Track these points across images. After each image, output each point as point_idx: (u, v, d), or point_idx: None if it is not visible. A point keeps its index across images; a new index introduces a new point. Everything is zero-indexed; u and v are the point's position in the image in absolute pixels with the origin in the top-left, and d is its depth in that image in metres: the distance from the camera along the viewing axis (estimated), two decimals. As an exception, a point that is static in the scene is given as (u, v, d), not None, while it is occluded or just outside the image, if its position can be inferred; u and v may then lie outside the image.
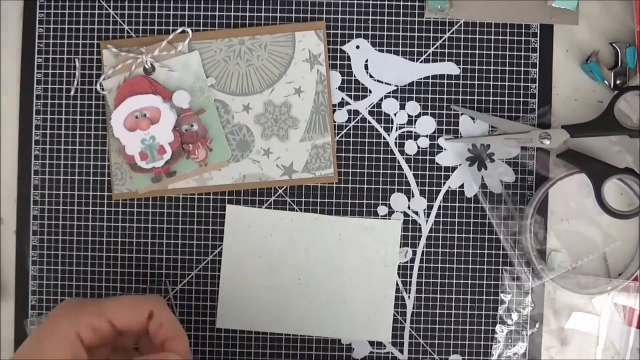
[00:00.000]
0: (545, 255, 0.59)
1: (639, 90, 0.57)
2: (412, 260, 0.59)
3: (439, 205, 0.59)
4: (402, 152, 0.59)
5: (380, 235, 0.59)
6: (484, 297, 0.59)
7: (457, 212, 0.59)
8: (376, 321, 0.58)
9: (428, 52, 0.59)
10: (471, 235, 0.59)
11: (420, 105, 0.59)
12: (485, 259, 0.59)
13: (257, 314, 0.58)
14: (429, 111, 0.59)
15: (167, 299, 0.59)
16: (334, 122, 0.59)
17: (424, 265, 0.59)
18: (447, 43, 0.59)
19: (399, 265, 0.59)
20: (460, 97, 0.59)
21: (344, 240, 0.59)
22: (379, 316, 0.58)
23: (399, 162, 0.59)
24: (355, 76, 0.59)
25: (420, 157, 0.59)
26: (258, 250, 0.59)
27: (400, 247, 0.59)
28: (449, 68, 0.59)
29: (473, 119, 0.59)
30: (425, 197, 0.59)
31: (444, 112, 0.59)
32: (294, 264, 0.58)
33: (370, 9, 0.59)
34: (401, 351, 0.59)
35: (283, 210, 0.59)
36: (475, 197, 0.59)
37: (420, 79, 0.59)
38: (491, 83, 0.59)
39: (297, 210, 0.59)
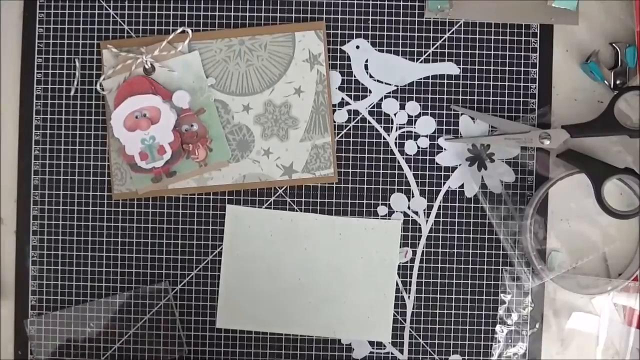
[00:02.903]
0: (545, 255, 0.59)
1: (639, 90, 0.57)
2: (412, 260, 0.59)
3: (439, 205, 0.59)
4: (402, 152, 0.59)
5: (380, 235, 0.59)
6: (484, 297, 0.59)
7: (457, 212, 0.59)
8: (376, 321, 0.58)
9: (428, 52, 0.59)
10: (471, 235, 0.59)
11: (420, 105, 0.59)
12: (485, 259, 0.59)
13: (257, 314, 0.58)
14: (429, 111, 0.59)
15: (167, 299, 0.59)
16: (334, 122, 0.59)
17: (424, 265, 0.59)
18: (447, 43, 0.59)
19: (399, 265, 0.59)
20: (460, 97, 0.59)
21: (344, 240, 0.58)
22: (379, 316, 0.58)
23: (399, 162, 0.59)
24: (355, 76, 0.59)
25: (420, 157, 0.59)
26: (258, 250, 0.58)
27: (400, 247, 0.59)
28: (449, 68, 0.59)
29: (473, 119, 0.59)
30: (425, 197, 0.59)
31: (444, 112, 0.59)
32: (294, 264, 0.58)
33: (370, 9, 0.59)
34: (401, 351, 0.59)
35: (283, 211, 0.59)
36: (475, 197, 0.59)
37: (420, 79, 0.59)
38: (491, 83, 0.59)
39: (297, 210, 0.59)
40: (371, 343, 0.59)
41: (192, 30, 0.59)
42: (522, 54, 0.59)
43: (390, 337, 0.59)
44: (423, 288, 0.59)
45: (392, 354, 0.59)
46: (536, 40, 0.59)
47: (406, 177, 0.59)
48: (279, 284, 0.58)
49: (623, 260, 0.59)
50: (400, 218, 0.59)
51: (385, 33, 0.59)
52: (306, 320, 0.58)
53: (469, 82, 0.59)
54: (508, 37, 0.59)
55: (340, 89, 0.59)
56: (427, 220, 0.59)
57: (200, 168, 0.59)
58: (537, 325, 0.59)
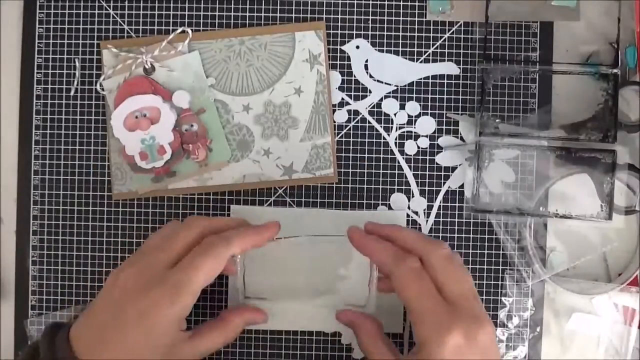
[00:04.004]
0: (545, 255, 0.59)
1: (637, 86, 0.57)
2: (412, 260, 0.59)
3: (439, 205, 0.59)
4: (402, 152, 0.59)
5: None
6: (484, 297, 0.59)
7: (457, 212, 0.59)
8: (386, 314, 0.58)
9: (428, 52, 0.59)
10: (471, 235, 0.59)
11: (420, 105, 0.59)
12: (485, 259, 0.59)
13: (267, 312, 0.58)
14: (429, 111, 0.59)
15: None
16: (334, 122, 0.59)
17: (424, 265, 0.59)
18: (447, 43, 0.59)
19: (399, 265, 0.59)
20: (460, 97, 0.59)
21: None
22: (389, 308, 0.58)
23: (399, 162, 0.59)
24: (355, 76, 0.59)
25: (420, 157, 0.59)
26: (264, 249, 0.58)
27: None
28: (449, 68, 0.59)
29: (473, 117, 0.59)
30: (425, 197, 0.59)
31: (444, 112, 0.59)
32: (299, 260, 0.58)
33: (370, 9, 0.59)
34: (401, 351, 0.59)
35: (287, 208, 0.59)
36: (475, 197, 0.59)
37: (420, 79, 0.59)
38: (491, 83, 0.59)
39: (297, 210, 0.59)
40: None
41: (192, 30, 0.59)
42: (522, 54, 0.59)
43: (402, 328, 0.58)
44: (423, 288, 0.59)
45: (392, 354, 0.59)
46: (536, 40, 0.59)
47: (406, 177, 0.59)
48: (286, 282, 0.58)
49: (623, 260, 0.59)
50: (402, 215, 0.59)
51: (385, 33, 0.59)
52: (314, 317, 0.58)
53: (469, 82, 0.59)
54: (508, 37, 0.59)
55: (340, 89, 0.59)
56: (427, 220, 0.59)
57: (201, 168, 0.59)
58: (538, 330, 0.59)
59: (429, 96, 0.59)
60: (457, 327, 0.47)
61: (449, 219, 0.59)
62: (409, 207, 0.59)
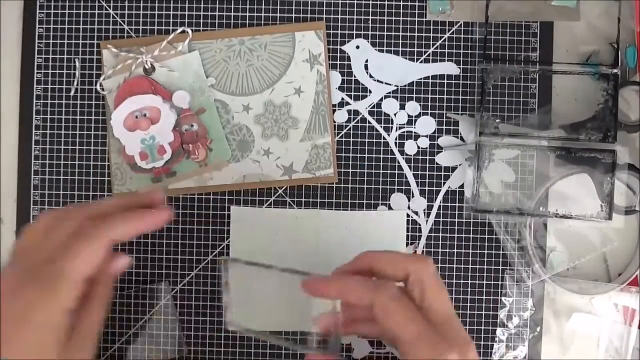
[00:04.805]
0: (545, 255, 0.59)
1: (636, 86, 0.57)
2: (412, 260, 0.59)
3: (439, 205, 0.59)
4: (402, 152, 0.59)
5: (386, 227, 0.58)
6: (484, 297, 0.59)
7: (457, 212, 0.59)
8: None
9: (428, 52, 0.59)
10: (471, 236, 0.59)
11: (420, 105, 0.59)
12: (485, 259, 0.59)
13: (267, 314, 0.58)
14: (429, 111, 0.59)
15: (167, 299, 0.59)
16: (334, 122, 0.59)
17: (424, 265, 0.59)
18: (447, 43, 0.59)
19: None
20: (460, 97, 0.59)
21: (350, 235, 0.58)
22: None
23: (399, 162, 0.59)
24: (355, 76, 0.59)
25: (420, 157, 0.59)
26: (265, 250, 0.58)
27: (407, 239, 0.59)
28: (449, 68, 0.59)
29: (473, 117, 0.59)
30: (425, 197, 0.59)
31: (444, 112, 0.59)
32: (301, 260, 0.58)
33: (370, 9, 0.59)
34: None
35: (287, 208, 0.59)
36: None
37: (420, 79, 0.59)
38: (491, 83, 0.59)
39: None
40: (371, 343, 0.59)
41: (192, 30, 0.59)
42: (522, 54, 0.59)
43: None
44: (423, 288, 0.59)
45: (392, 354, 0.59)
46: (536, 40, 0.59)
47: (406, 177, 0.59)
48: (288, 283, 0.58)
49: (623, 260, 0.59)
50: (403, 215, 0.59)
51: (385, 33, 0.59)
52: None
53: (469, 82, 0.59)
54: (508, 37, 0.59)
55: (340, 89, 0.59)
56: (427, 220, 0.59)
57: (200, 168, 0.59)
58: (538, 330, 0.59)
59: (429, 96, 0.59)
60: (453, 350, 0.45)
61: (449, 219, 0.59)
62: (409, 207, 0.59)
